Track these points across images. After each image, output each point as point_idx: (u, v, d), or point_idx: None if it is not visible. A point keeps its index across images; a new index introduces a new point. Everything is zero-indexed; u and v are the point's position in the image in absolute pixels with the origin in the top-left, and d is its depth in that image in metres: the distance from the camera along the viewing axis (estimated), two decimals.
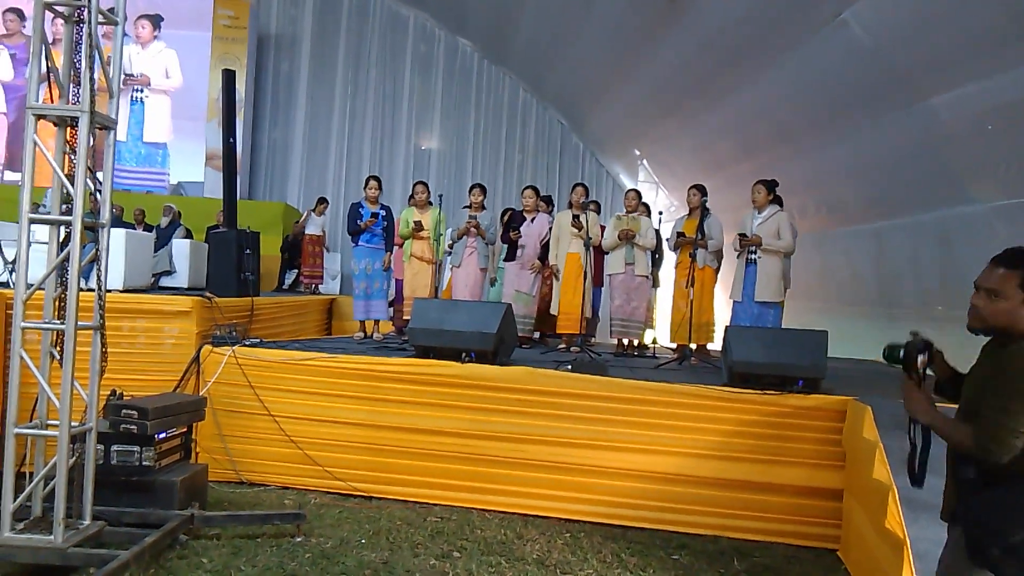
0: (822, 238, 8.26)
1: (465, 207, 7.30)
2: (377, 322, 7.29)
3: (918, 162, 6.22)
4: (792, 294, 7.26)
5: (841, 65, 6.22)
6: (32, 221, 3.51)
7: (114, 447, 4.16)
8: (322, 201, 11.08)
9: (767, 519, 4.47)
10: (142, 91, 13.59)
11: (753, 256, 6.19)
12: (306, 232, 10.85)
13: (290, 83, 14.08)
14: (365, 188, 7.18)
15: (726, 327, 5.23)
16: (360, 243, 7.08)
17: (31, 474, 3.60)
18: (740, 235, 6.23)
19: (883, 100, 6.06)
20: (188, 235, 9.40)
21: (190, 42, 13.51)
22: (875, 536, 3.44)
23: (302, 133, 14.04)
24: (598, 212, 7.71)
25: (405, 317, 6.99)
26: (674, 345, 6.92)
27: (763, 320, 6.11)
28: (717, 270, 6.88)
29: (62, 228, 3.58)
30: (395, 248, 7.35)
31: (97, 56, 3.46)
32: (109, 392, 4.42)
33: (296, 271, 11.22)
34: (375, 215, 7.01)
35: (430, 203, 7.33)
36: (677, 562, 4.06)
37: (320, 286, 10.96)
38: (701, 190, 6.72)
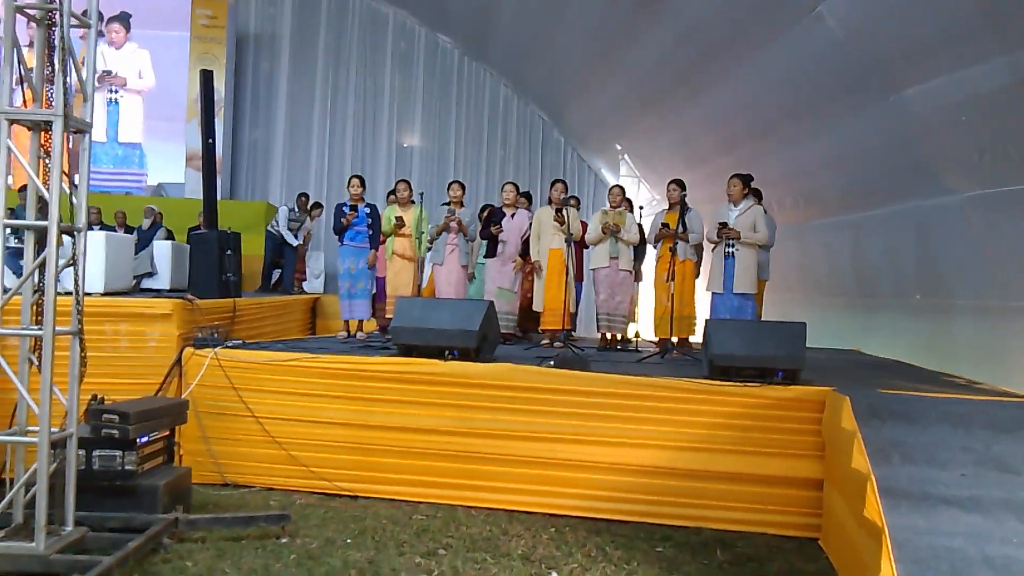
0: (800, 230, 8.33)
1: (444, 203, 7.30)
2: (361, 321, 7.28)
3: (894, 153, 6.29)
4: (771, 286, 7.30)
5: (817, 59, 6.28)
6: (7, 226, 3.49)
7: (96, 452, 4.13)
8: (317, 206, 11.06)
9: (749, 510, 4.52)
10: (116, 91, 13.45)
11: (731, 249, 6.23)
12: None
13: (270, 82, 14.00)
14: (348, 187, 7.17)
15: (706, 320, 5.27)
16: (345, 242, 7.07)
17: (12, 481, 3.58)
18: (721, 224, 6.27)
19: (859, 93, 6.13)
20: (169, 236, 9.33)
21: (168, 42, 13.37)
22: (855, 525, 3.49)
23: (283, 132, 13.96)
24: (578, 208, 7.73)
25: (388, 316, 6.99)
26: (656, 339, 6.96)
27: (743, 311, 6.16)
28: (698, 263, 6.92)
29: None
30: (380, 246, 7.34)
31: (70, 59, 3.44)
32: (90, 397, 4.39)
33: (280, 270, 11.16)
34: (353, 208, 7.01)
35: (412, 201, 7.33)
36: (661, 554, 4.10)
37: (304, 283, 10.94)
38: (680, 185, 6.76)
